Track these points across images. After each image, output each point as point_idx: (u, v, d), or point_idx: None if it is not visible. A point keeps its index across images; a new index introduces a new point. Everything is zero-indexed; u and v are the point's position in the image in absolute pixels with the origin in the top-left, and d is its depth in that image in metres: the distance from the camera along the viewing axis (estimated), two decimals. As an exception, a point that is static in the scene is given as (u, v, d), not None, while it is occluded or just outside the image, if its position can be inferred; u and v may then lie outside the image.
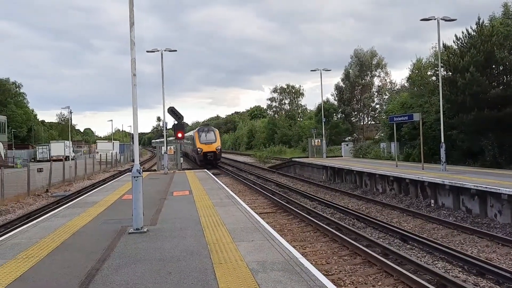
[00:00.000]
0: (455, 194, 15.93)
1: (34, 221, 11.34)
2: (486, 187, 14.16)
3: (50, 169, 27.32)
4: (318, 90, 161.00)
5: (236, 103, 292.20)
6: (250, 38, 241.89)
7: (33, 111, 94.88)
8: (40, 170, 27.23)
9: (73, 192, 24.72)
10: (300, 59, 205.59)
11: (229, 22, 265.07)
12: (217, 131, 43.54)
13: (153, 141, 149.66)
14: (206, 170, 31.02)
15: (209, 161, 40.01)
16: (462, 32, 25.28)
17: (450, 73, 25.37)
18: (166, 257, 7.04)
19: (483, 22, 24.76)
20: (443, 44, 26.07)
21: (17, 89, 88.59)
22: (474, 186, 14.64)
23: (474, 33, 24.50)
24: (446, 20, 21.26)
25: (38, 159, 65.80)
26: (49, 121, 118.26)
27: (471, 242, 11.54)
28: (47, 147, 69.41)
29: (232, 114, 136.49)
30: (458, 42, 25.53)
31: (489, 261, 9.37)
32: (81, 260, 6.96)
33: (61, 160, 42.58)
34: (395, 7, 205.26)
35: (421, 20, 21.37)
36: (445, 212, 15.84)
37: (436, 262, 9.73)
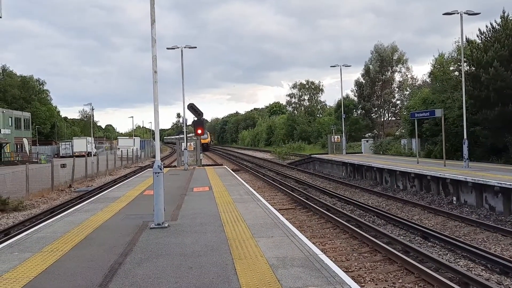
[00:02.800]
0: (478, 191, 15.66)
1: (59, 216, 11.59)
2: (510, 184, 13.88)
3: (73, 165, 27.85)
4: (337, 86, 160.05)
5: (255, 99, 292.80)
6: (268, 34, 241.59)
7: (56, 107, 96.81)
8: (63, 166, 27.78)
9: (95, 187, 25.15)
10: (319, 55, 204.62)
11: (247, 18, 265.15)
12: (209, 133, 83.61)
13: (165, 138, 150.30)
14: (225, 166, 31.20)
15: (204, 148, 68.46)
16: (486, 26, 24.76)
17: (473, 68, 24.89)
18: (187, 252, 7.12)
19: (508, 15, 24.18)
20: (466, 38, 25.61)
21: (41, 86, 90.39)
22: (498, 183, 14.37)
23: (499, 27, 23.95)
24: (469, 14, 20.83)
25: (61, 155, 67.14)
26: (72, 118, 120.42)
27: (494, 240, 11.34)
28: (70, 143, 70.73)
29: (251, 110, 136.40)
30: (482, 37, 25.01)
31: (513, 260, 9.19)
32: (104, 254, 7.10)
33: (83, 156, 43.37)
34: (416, 2, 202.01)
35: (444, 14, 21.00)
36: (467, 209, 15.59)
37: (458, 260, 9.61)
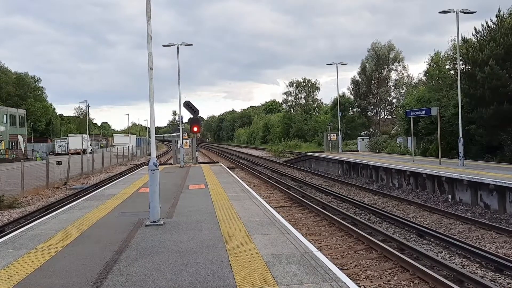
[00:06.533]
0: (473, 189, 15.72)
1: (54, 213, 11.53)
2: (505, 183, 13.95)
3: (69, 162, 27.73)
4: (334, 84, 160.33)
5: (251, 97, 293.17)
6: (264, 32, 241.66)
7: (51, 105, 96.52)
8: (58, 163, 27.66)
9: (91, 185, 25.05)
10: (316, 53, 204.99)
11: (243, 16, 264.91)
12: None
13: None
14: (221, 164, 31.17)
15: None
16: (482, 25, 24.83)
17: (469, 67, 24.94)
18: (183, 249, 7.11)
19: (503, 14, 24.25)
20: (461, 37, 25.65)
21: (36, 83, 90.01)
22: (493, 181, 14.43)
23: (494, 26, 24.02)
24: (465, 13, 20.86)
25: (56, 152, 66.88)
26: (67, 115, 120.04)
27: (489, 238, 11.39)
28: (65, 140, 70.49)
29: (247, 108, 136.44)
30: (477, 35, 25.07)
31: (507, 257, 9.23)
32: (99, 252, 7.08)
33: (79, 153, 43.24)
34: (412, 0, 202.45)
35: (440, 12, 21.01)
36: (462, 207, 15.65)
37: (453, 257, 9.64)
